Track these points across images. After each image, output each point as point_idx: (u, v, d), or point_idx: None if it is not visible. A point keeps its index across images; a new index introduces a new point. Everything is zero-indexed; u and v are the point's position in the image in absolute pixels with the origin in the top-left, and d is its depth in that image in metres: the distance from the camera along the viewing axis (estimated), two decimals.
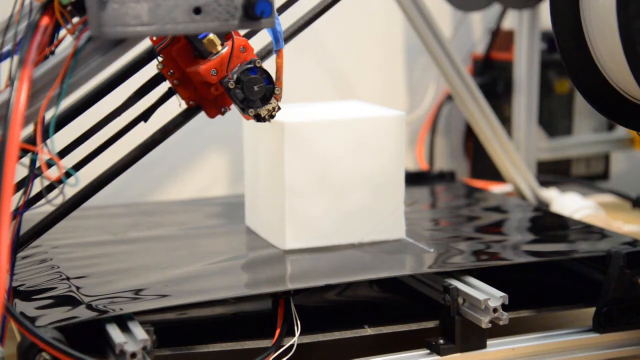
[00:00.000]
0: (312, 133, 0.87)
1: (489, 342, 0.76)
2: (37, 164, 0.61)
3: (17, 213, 0.68)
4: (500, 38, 1.52)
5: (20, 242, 0.74)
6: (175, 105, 0.77)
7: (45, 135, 0.60)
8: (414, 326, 0.78)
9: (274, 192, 0.89)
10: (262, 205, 0.93)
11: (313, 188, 0.87)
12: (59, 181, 0.60)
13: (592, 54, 0.74)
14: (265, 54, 0.79)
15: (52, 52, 0.62)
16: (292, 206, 0.87)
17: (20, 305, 0.73)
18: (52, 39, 0.62)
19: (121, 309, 0.70)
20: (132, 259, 0.88)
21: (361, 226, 0.89)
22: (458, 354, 0.75)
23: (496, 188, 1.25)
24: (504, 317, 0.74)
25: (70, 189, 0.65)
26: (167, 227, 1.00)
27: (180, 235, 0.97)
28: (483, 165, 1.39)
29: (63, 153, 0.73)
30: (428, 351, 0.76)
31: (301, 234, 0.87)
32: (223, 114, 0.76)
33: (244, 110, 0.73)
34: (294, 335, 0.74)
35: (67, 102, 0.70)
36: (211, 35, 0.71)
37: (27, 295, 0.76)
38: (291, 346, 0.73)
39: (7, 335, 0.67)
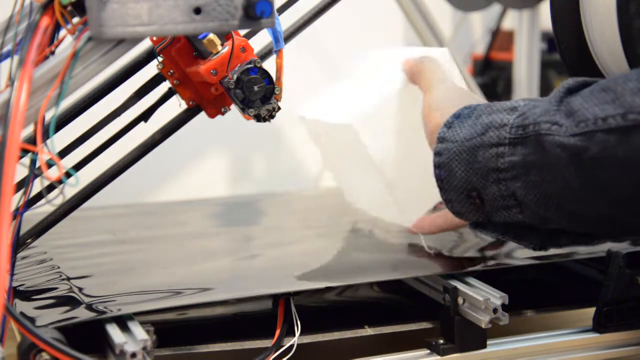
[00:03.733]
0: None
1: (489, 342, 0.76)
2: (37, 164, 0.61)
3: (17, 213, 0.68)
4: (500, 38, 1.53)
5: (20, 242, 0.74)
6: (175, 105, 0.77)
7: (45, 135, 0.60)
8: (414, 326, 0.78)
9: None
10: None
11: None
12: (59, 181, 0.60)
13: (592, 54, 0.74)
14: (265, 54, 0.79)
15: (52, 52, 0.62)
16: None
17: (20, 305, 0.73)
18: (52, 39, 0.62)
19: (121, 309, 0.70)
20: (132, 259, 0.88)
21: None
22: (458, 354, 0.75)
23: None
24: (504, 317, 0.74)
25: (70, 189, 0.65)
26: (167, 227, 1.00)
27: (180, 236, 0.97)
28: None
29: (63, 153, 0.73)
30: (428, 351, 0.76)
31: None
32: (223, 114, 0.77)
33: (244, 110, 0.73)
34: (294, 335, 0.73)
35: (67, 102, 0.70)
36: (211, 35, 0.71)
37: (27, 295, 0.76)
38: (291, 346, 0.73)
39: (7, 335, 0.67)
